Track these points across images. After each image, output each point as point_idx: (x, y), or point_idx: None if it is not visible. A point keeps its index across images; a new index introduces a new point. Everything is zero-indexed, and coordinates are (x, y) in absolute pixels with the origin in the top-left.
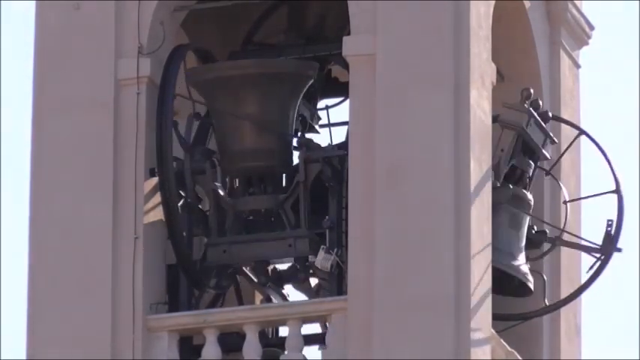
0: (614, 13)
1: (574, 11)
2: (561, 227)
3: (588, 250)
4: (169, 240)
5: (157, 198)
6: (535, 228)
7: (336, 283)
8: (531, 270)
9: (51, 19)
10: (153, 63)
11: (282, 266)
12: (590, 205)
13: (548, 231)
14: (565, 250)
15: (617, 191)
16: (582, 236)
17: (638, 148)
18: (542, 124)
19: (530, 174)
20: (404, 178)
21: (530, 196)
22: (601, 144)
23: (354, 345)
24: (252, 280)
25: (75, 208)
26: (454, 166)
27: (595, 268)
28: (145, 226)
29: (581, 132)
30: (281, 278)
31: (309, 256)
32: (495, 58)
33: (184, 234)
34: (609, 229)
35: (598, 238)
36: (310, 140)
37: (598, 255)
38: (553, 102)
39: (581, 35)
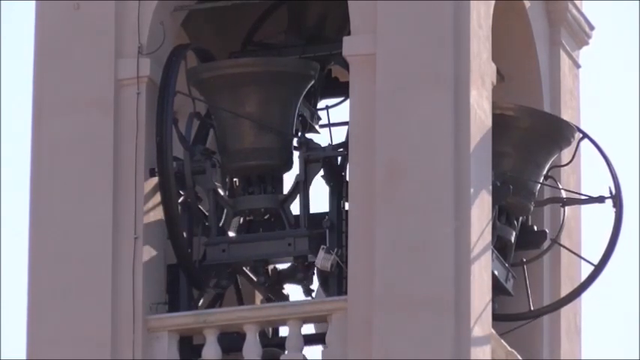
0: (614, 13)
1: (574, 11)
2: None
3: (600, 199)
4: (169, 240)
5: (157, 198)
6: (535, 227)
7: (336, 283)
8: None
9: (51, 19)
10: (153, 63)
11: (282, 266)
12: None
13: (548, 231)
14: (565, 250)
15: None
16: (581, 242)
17: (638, 148)
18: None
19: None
20: (404, 178)
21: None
22: (601, 146)
23: (354, 345)
24: (252, 279)
25: (75, 208)
26: (454, 166)
27: (612, 225)
28: (145, 226)
29: (585, 136)
30: (281, 278)
31: (309, 256)
32: (495, 58)
33: (184, 234)
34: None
35: (597, 245)
36: (310, 140)
37: (610, 200)
38: (553, 102)
39: (581, 35)
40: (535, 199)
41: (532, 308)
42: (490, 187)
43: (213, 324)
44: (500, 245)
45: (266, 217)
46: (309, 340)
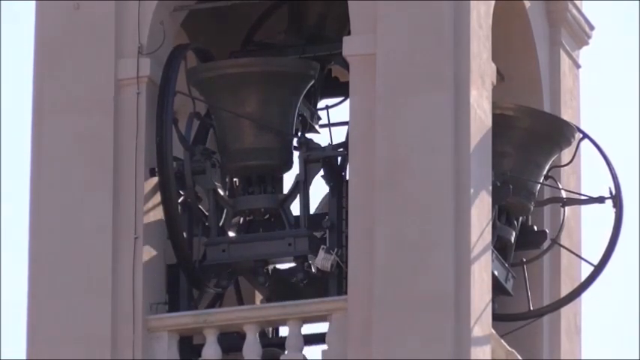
0: (614, 13)
1: (574, 11)
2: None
3: (600, 199)
4: (169, 240)
5: (157, 198)
6: (535, 227)
7: (336, 283)
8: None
9: (51, 19)
10: (153, 63)
11: (282, 266)
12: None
13: (548, 231)
14: (565, 250)
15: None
16: (581, 242)
17: (638, 148)
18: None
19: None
20: (404, 178)
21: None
22: (601, 146)
23: (354, 345)
24: (252, 279)
25: (75, 208)
26: (454, 166)
27: (612, 225)
28: (145, 226)
29: (585, 136)
30: (281, 278)
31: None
32: (495, 58)
33: (184, 234)
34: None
35: (596, 246)
36: (310, 140)
37: (611, 200)
38: (553, 102)
39: (581, 35)
40: (535, 199)
41: (532, 308)
42: (490, 187)
43: (213, 324)
44: (500, 245)
45: (266, 217)
46: (309, 340)
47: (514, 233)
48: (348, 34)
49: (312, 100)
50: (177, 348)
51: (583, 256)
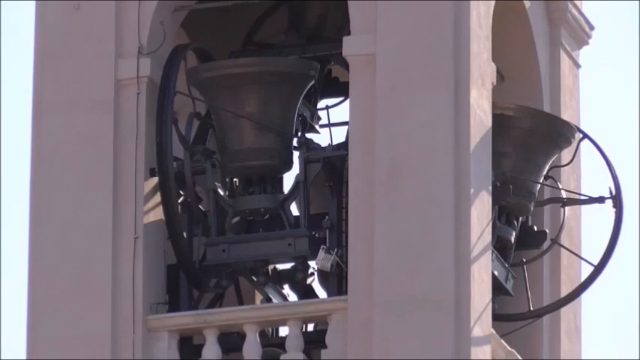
0: (614, 13)
1: (574, 11)
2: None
3: (600, 199)
4: (169, 240)
5: (157, 198)
6: (535, 227)
7: (336, 283)
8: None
9: (51, 19)
10: (153, 63)
11: (282, 266)
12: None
13: (548, 231)
14: (565, 250)
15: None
16: (580, 242)
17: (638, 148)
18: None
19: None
20: (404, 178)
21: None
22: (601, 146)
23: (354, 345)
24: (252, 279)
25: (75, 208)
26: (454, 166)
27: (613, 224)
28: (145, 226)
29: (585, 136)
30: (281, 278)
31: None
32: (495, 58)
33: (184, 234)
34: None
35: (596, 246)
36: (310, 140)
37: (611, 200)
38: (553, 102)
39: (581, 35)
40: (535, 199)
41: (532, 308)
42: (490, 187)
43: (213, 324)
44: (500, 245)
45: (266, 217)
46: (309, 340)
47: (514, 233)
48: (348, 34)
49: (312, 100)
50: (177, 348)
51: (583, 256)
